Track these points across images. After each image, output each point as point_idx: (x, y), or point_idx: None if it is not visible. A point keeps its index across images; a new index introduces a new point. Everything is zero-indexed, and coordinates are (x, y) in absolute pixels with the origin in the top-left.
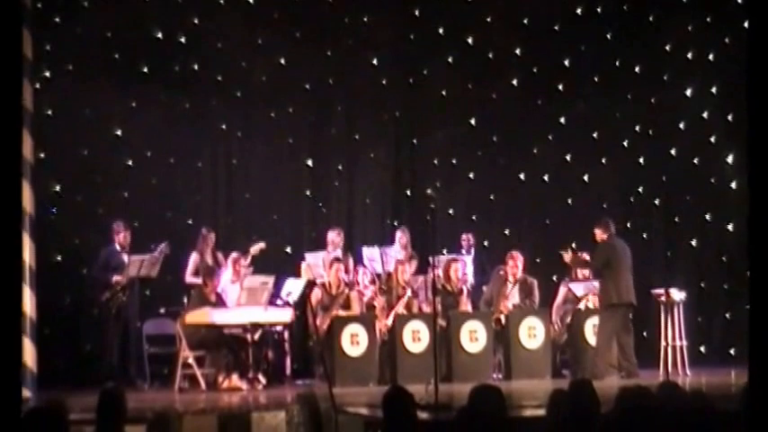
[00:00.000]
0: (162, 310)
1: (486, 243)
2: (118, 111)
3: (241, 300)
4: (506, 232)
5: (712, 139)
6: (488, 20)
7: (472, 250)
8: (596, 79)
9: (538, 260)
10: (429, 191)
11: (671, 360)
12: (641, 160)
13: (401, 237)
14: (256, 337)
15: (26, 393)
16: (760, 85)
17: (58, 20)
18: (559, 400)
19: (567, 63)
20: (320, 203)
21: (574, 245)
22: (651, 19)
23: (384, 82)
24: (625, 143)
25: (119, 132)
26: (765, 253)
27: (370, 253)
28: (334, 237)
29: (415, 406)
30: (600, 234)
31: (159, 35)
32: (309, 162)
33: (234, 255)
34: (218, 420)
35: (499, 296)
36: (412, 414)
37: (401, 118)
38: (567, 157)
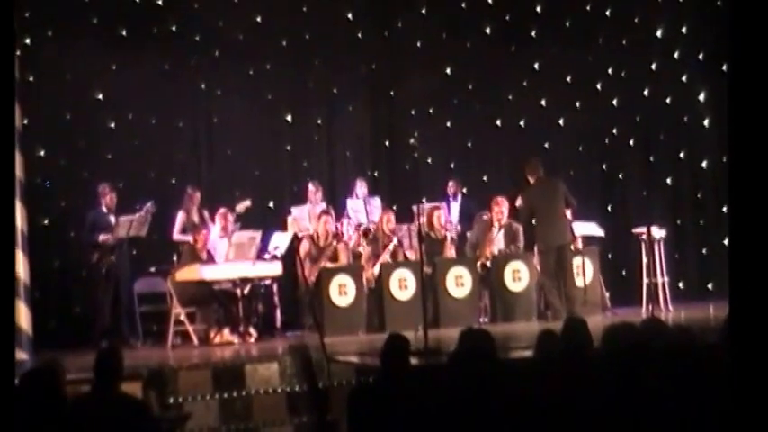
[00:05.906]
0: (152, 269)
1: (464, 190)
2: (98, 74)
3: (230, 255)
4: (485, 178)
5: (684, 79)
6: None
7: (458, 197)
8: (568, 24)
9: (516, 205)
10: (412, 140)
11: (653, 296)
12: (615, 102)
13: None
14: (246, 291)
15: (23, 356)
16: (738, 24)
17: None
18: (548, 339)
19: (538, 9)
20: (301, 158)
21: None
22: None
23: (359, 35)
24: (598, 86)
25: (100, 96)
26: (743, 186)
27: (354, 204)
28: (310, 190)
29: (409, 352)
30: (530, 177)
31: None
32: (289, 117)
33: (222, 210)
34: (212, 374)
35: (485, 241)
36: (406, 360)
37: (377, 70)
38: (543, 102)
